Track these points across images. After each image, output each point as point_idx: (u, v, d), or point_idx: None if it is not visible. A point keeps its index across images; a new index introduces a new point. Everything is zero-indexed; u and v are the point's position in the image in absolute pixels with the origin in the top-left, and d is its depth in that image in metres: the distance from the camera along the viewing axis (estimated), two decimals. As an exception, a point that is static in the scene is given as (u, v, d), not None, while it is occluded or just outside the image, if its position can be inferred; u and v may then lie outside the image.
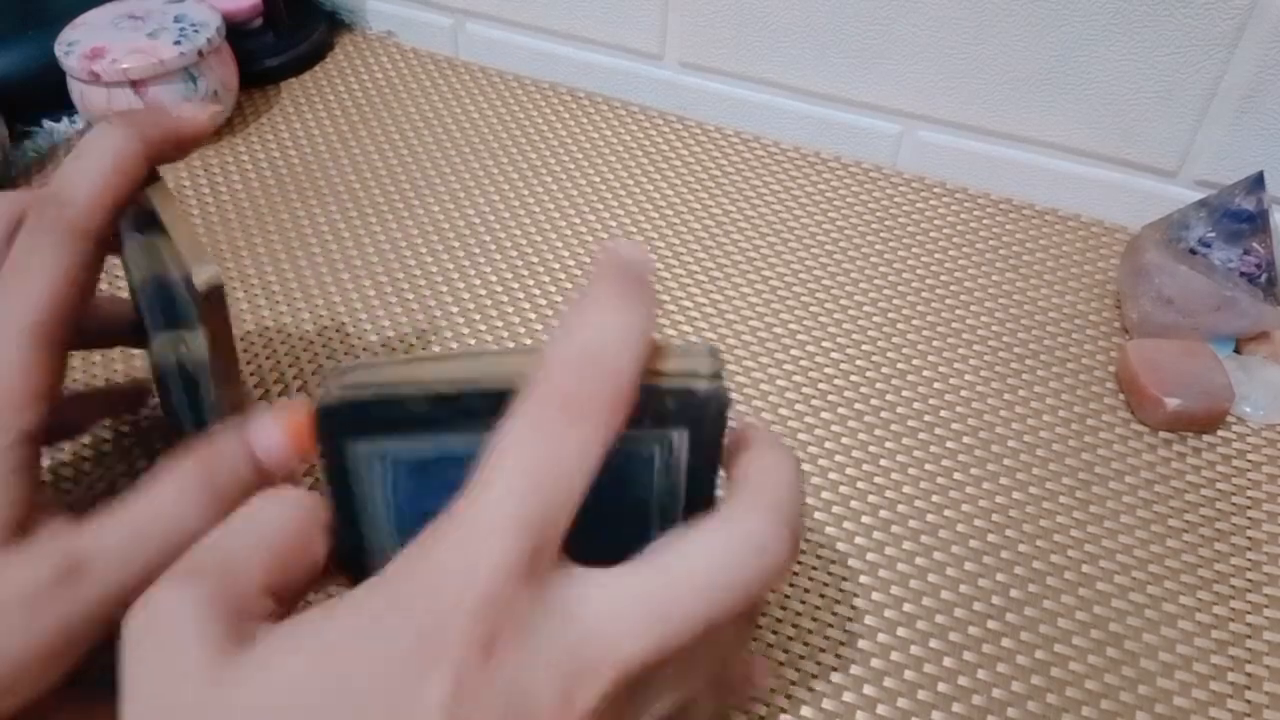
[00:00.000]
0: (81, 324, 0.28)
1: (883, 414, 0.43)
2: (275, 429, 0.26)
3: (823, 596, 0.36)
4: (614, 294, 0.21)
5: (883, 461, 0.41)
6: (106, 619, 0.25)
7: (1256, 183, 0.45)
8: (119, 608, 0.23)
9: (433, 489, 0.21)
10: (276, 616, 0.21)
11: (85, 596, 0.24)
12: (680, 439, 0.22)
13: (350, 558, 0.24)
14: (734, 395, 0.43)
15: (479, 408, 0.21)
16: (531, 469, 0.19)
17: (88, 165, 0.27)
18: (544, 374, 0.20)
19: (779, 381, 0.44)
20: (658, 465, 0.23)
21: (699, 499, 0.24)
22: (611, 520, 0.22)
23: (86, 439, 0.41)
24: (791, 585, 0.37)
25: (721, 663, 0.24)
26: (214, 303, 0.28)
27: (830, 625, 0.35)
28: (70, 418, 0.37)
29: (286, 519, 0.23)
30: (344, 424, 0.22)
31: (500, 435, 0.20)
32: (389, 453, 0.23)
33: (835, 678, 0.34)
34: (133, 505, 0.26)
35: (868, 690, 0.34)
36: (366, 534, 0.24)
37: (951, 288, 0.49)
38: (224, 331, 0.29)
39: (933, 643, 0.35)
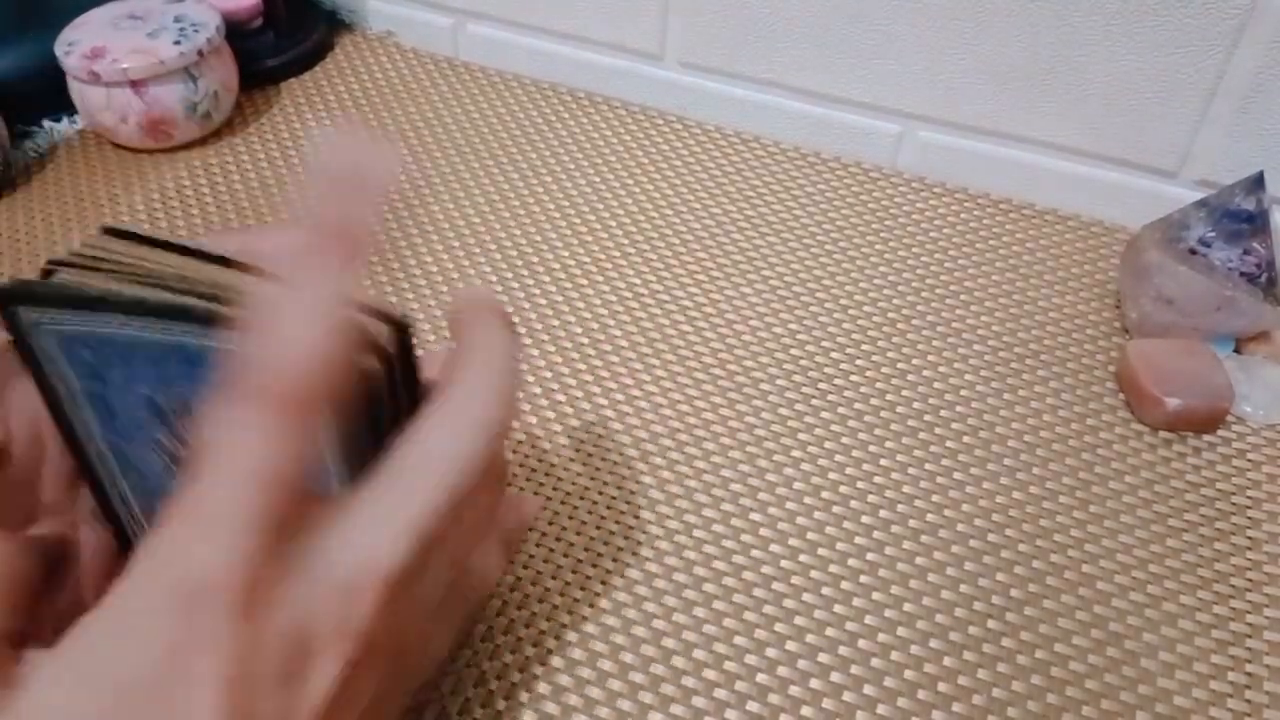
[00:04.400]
0: None
1: (883, 414, 0.43)
2: None
3: (822, 596, 0.36)
4: (310, 269, 0.22)
5: (883, 461, 0.41)
6: None
7: (1256, 183, 0.45)
8: None
9: (111, 379, 0.23)
10: (40, 641, 0.22)
11: None
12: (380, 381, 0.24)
13: (80, 462, 0.26)
14: (734, 396, 0.43)
15: (147, 310, 0.23)
16: (255, 467, 0.21)
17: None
18: (244, 367, 0.21)
19: (779, 381, 0.44)
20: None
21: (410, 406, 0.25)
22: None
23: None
24: (790, 585, 0.37)
25: (486, 520, 0.26)
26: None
27: (830, 625, 0.35)
28: None
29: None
30: (15, 298, 0.23)
31: (216, 429, 0.21)
32: (65, 329, 0.24)
33: (835, 677, 0.34)
34: None
35: (868, 690, 0.34)
36: (79, 430, 0.25)
37: (951, 288, 0.49)
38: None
39: (933, 643, 0.35)
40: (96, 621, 0.21)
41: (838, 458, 0.41)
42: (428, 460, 0.23)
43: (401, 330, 0.24)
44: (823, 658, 0.35)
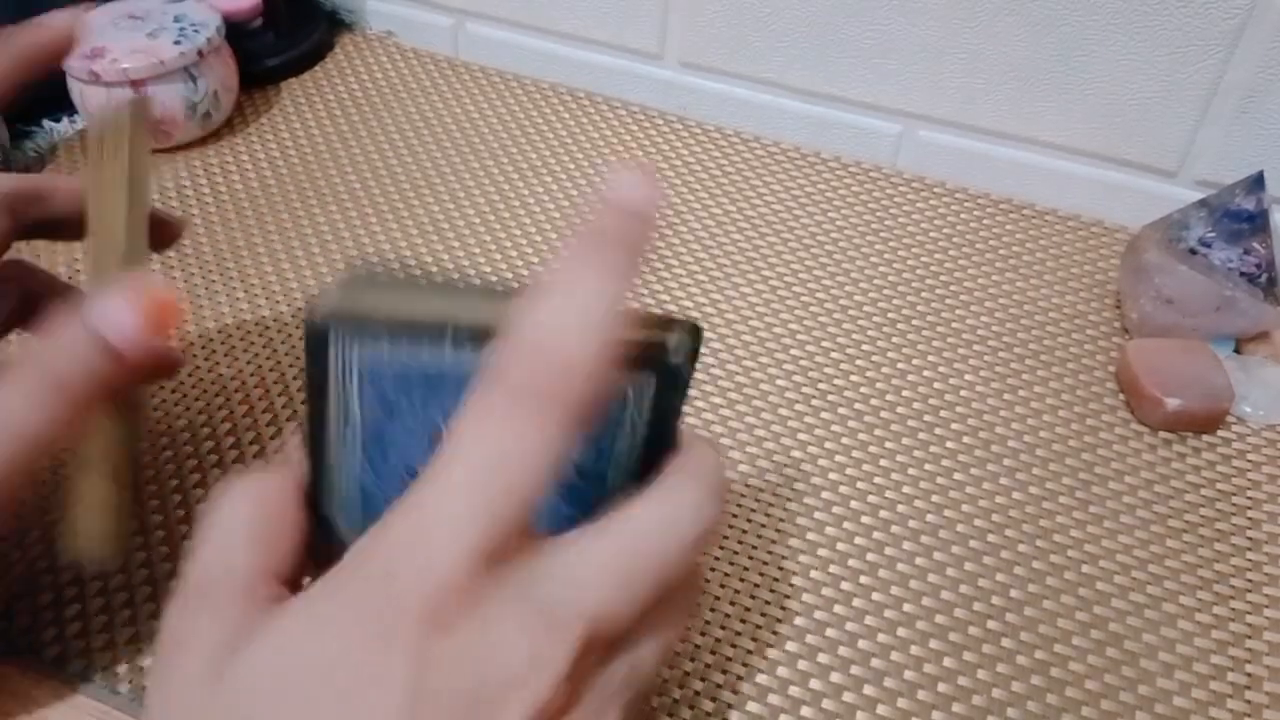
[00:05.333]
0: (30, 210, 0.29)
1: (883, 414, 0.43)
2: (126, 309, 0.24)
3: (822, 596, 0.36)
4: (587, 268, 0.21)
5: (883, 461, 0.41)
6: None
7: (1256, 183, 0.45)
8: None
9: (402, 412, 0.22)
10: (281, 594, 0.22)
11: None
12: (646, 392, 0.23)
13: (314, 498, 0.24)
14: (734, 396, 0.43)
15: (465, 339, 0.21)
16: (491, 461, 0.19)
17: None
18: (503, 359, 0.20)
19: (779, 381, 0.44)
20: (623, 418, 0.23)
21: (655, 451, 0.24)
22: (577, 470, 0.23)
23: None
24: (790, 585, 0.37)
25: (674, 628, 0.24)
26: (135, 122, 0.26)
27: (830, 625, 0.35)
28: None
29: (268, 504, 0.22)
30: (330, 336, 0.22)
31: (460, 419, 0.20)
32: (366, 364, 0.22)
33: (835, 678, 0.34)
34: None
35: (868, 690, 0.34)
36: (334, 465, 0.24)
37: (951, 288, 0.49)
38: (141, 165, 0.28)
39: (933, 643, 0.35)
40: (303, 605, 0.20)
41: (838, 458, 0.41)
42: (652, 525, 0.21)
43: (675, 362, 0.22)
44: (822, 658, 0.35)
